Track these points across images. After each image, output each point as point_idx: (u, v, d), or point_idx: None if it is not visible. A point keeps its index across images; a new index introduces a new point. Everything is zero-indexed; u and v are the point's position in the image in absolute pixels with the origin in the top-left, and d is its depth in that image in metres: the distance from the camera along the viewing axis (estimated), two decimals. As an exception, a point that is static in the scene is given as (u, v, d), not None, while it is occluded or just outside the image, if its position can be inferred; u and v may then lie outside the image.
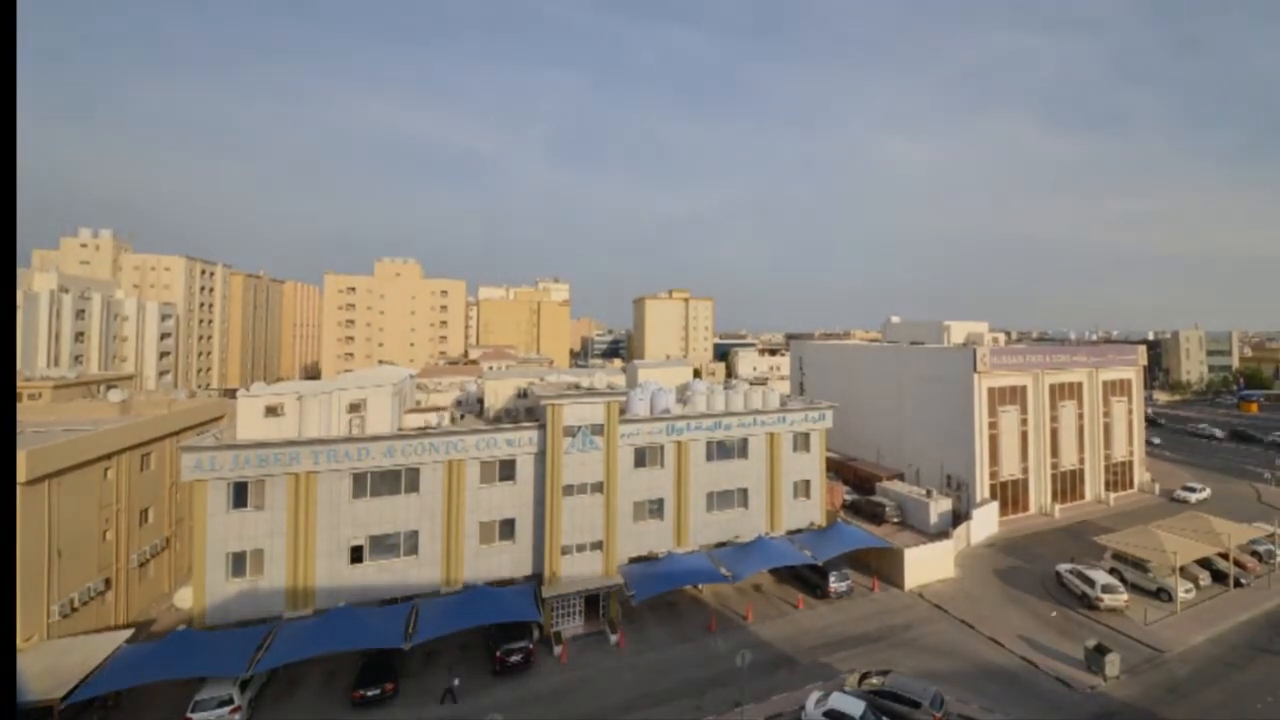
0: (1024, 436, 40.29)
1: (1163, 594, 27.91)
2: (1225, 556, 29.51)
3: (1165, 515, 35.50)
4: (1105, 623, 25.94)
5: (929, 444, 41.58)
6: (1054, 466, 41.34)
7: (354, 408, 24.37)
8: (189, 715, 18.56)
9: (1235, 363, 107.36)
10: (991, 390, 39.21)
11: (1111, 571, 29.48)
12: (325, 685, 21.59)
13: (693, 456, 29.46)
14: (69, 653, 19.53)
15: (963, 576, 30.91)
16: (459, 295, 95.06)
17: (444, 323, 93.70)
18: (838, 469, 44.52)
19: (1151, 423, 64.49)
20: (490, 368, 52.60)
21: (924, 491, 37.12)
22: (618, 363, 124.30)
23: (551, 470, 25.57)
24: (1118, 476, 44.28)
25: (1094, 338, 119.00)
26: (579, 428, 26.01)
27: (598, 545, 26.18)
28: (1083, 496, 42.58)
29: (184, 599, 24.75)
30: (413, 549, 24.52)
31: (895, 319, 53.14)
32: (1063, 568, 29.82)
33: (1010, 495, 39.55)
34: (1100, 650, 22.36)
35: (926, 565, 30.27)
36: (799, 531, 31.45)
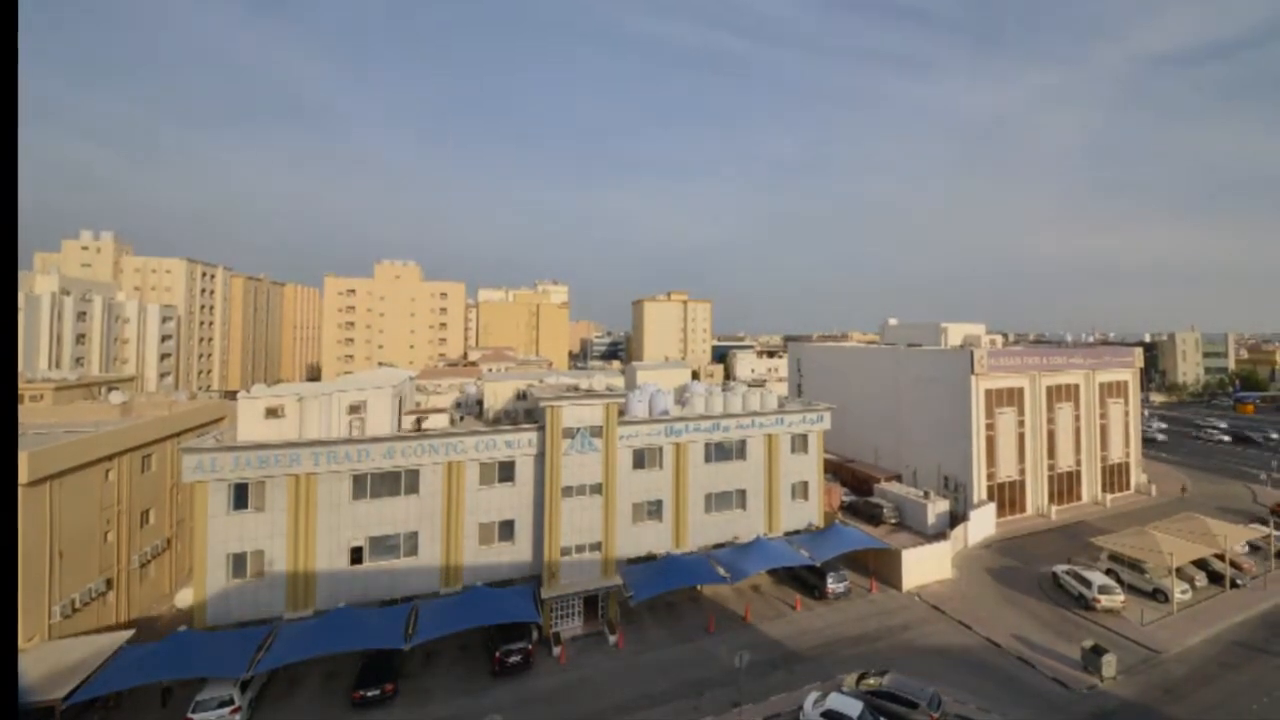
0: (1021, 438, 40.43)
1: (1159, 595, 28.03)
2: (1221, 558, 29.64)
3: (1162, 516, 35.65)
4: (1102, 623, 26.04)
5: (926, 445, 41.72)
6: (1051, 468, 41.47)
7: (354, 409, 24.51)
8: (190, 715, 18.65)
9: (1231, 364, 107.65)
10: (989, 392, 39.38)
11: (1108, 572, 29.59)
12: (325, 686, 21.68)
13: (691, 458, 29.60)
14: (70, 653, 19.60)
15: (960, 577, 31.02)
16: (458, 297, 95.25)
17: (443, 325, 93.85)
18: (836, 470, 44.70)
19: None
20: (489, 369, 52.75)
21: (921, 493, 37.29)
22: (616, 365, 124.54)
23: (551, 472, 25.70)
24: (1114, 478, 44.44)
25: (1091, 340, 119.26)
26: (578, 429, 26.15)
27: (596, 546, 26.30)
28: (1079, 498, 42.70)
29: (185, 600, 24.89)
30: (412, 550, 24.62)
31: (893, 321, 53.36)
32: (1059, 569, 29.93)
33: (1007, 496, 39.67)
34: (1097, 651, 22.46)
35: (924, 566, 30.38)
36: (797, 533, 31.56)
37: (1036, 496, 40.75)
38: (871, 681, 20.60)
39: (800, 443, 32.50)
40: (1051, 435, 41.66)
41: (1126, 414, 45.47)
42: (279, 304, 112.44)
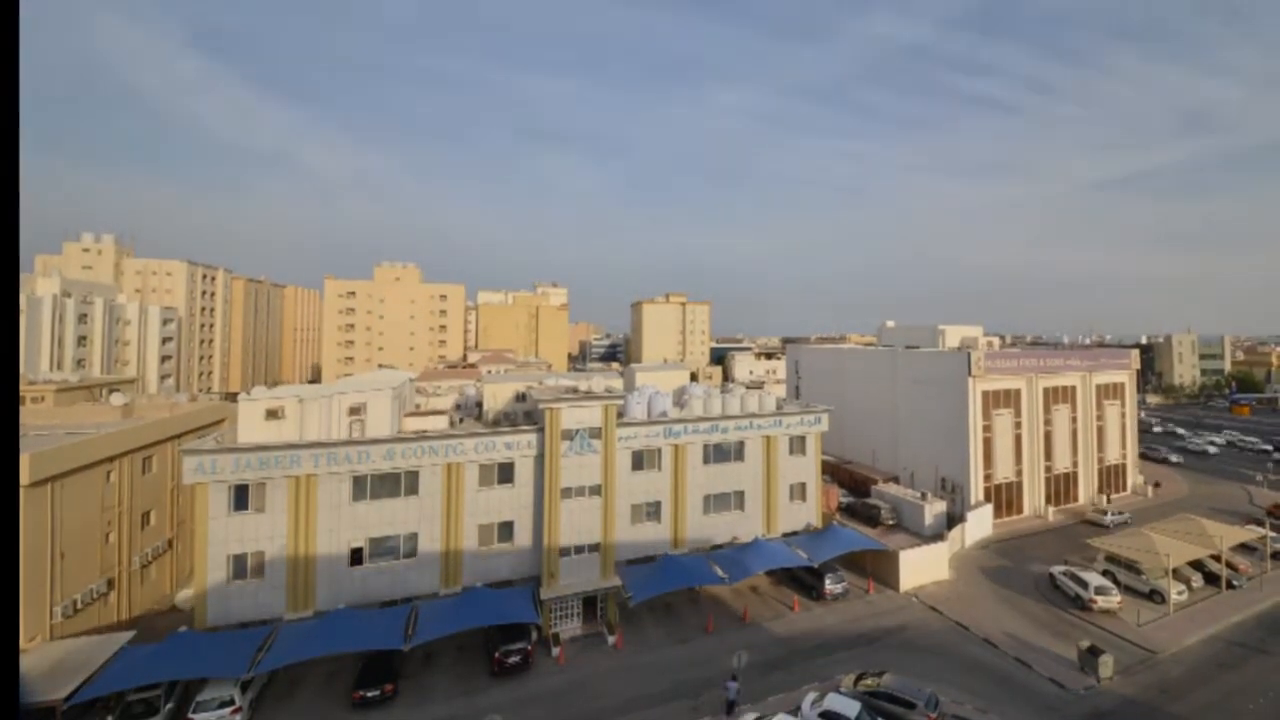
0: (1018, 440, 40.61)
1: (1155, 596, 28.16)
2: (1217, 559, 29.78)
3: (1158, 518, 35.81)
4: (1098, 624, 26.16)
5: (924, 447, 41.88)
6: (1048, 469, 41.64)
7: (354, 411, 24.64)
8: (190, 716, 18.74)
9: (1227, 366, 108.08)
10: (986, 394, 39.57)
11: (1104, 573, 29.71)
12: (325, 686, 21.76)
13: (690, 459, 29.74)
14: (72, 653, 19.69)
15: (957, 578, 31.13)
16: (458, 299, 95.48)
17: (443, 327, 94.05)
18: (833, 472, 44.89)
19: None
20: (489, 371, 52.90)
21: (919, 494, 37.45)
22: (615, 366, 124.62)
23: (550, 473, 25.83)
24: (1111, 479, 44.60)
25: (1087, 342, 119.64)
26: (577, 431, 26.29)
27: (595, 547, 26.41)
28: (1076, 499, 42.86)
29: (185, 600, 24.98)
30: (412, 551, 24.72)
31: (890, 323, 53.55)
32: (1056, 569, 30.06)
33: (1004, 498, 39.82)
34: (1094, 651, 22.57)
35: (921, 567, 30.50)
36: (795, 534, 31.68)
37: (1033, 498, 40.90)
38: (869, 682, 20.70)
39: (798, 444, 32.65)
40: (1048, 437, 41.84)
41: (1123, 416, 45.66)
42: (279, 306, 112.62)
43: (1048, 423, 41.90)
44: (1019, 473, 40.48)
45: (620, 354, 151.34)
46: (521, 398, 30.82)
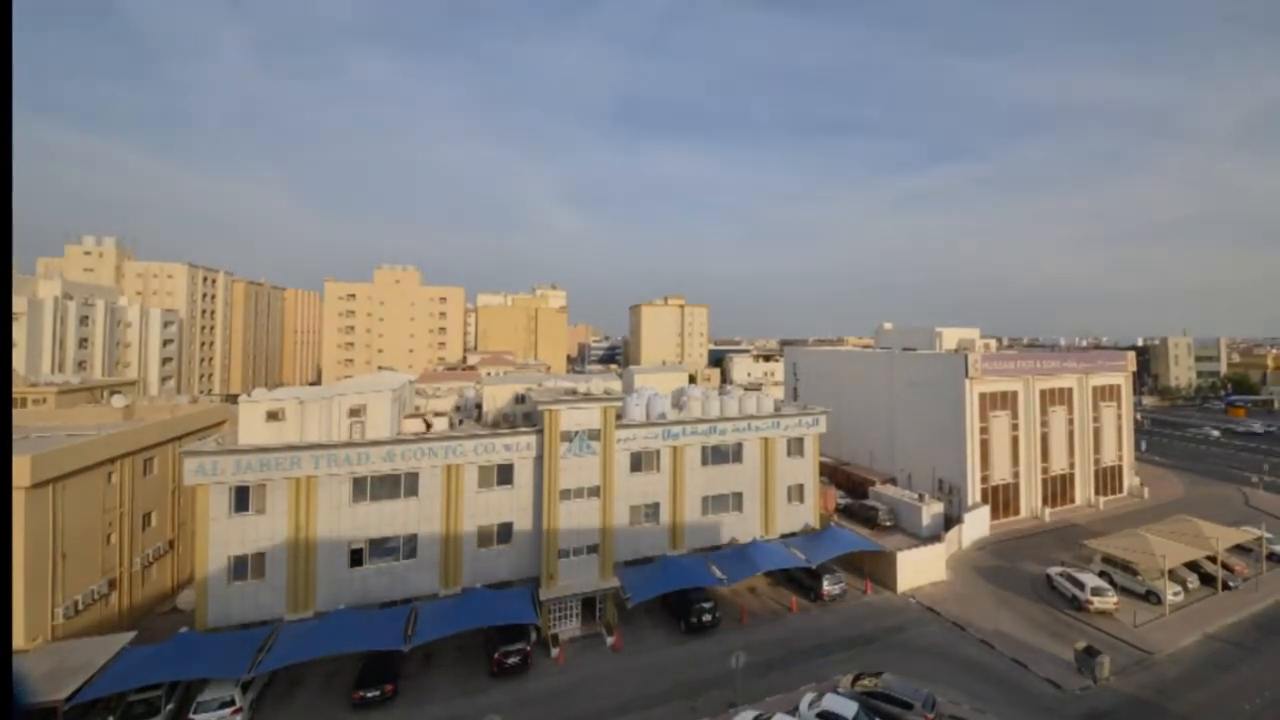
0: (1015, 441, 40.79)
1: (1152, 596, 28.28)
2: (1213, 560, 29.93)
3: (1154, 519, 35.98)
4: (1095, 625, 26.27)
5: (921, 449, 42.05)
6: (1044, 471, 41.79)
7: (354, 413, 24.78)
8: (191, 716, 18.84)
9: (1223, 369, 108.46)
10: (983, 396, 39.76)
11: (1101, 574, 29.85)
12: (325, 687, 21.84)
13: (688, 461, 29.89)
14: (73, 654, 19.73)
15: (954, 579, 31.25)
16: (457, 302, 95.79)
17: (443, 329, 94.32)
18: (831, 473, 45.05)
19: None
20: (488, 373, 53.08)
21: (916, 495, 37.62)
22: (614, 369, 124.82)
23: (549, 475, 25.98)
24: (1107, 481, 44.77)
25: (1084, 344, 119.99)
26: (576, 433, 26.44)
27: (594, 548, 26.53)
28: (1073, 500, 43.00)
29: (186, 601, 25.08)
30: (412, 552, 24.84)
31: (888, 325, 53.80)
32: (1053, 570, 30.19)
33: (1001, 499, 39.97)
34: (1090, 652, 22.67)
35: (919, 568, 30.62)
36: (793, 535, 31.82)
37: (1030, 499, 41.05)
38: (867, 682, 20.80)
39: (796, 446, 32.82)
40: (1045, 438, 42.02)
41: (1119, 417, 45.87)
42: (280, 308, 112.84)
43: (1044, 424, 42.10)
44: (1016, 474, 40.65)
45: (619, 356, 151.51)
46: (521, 399, 30.99)
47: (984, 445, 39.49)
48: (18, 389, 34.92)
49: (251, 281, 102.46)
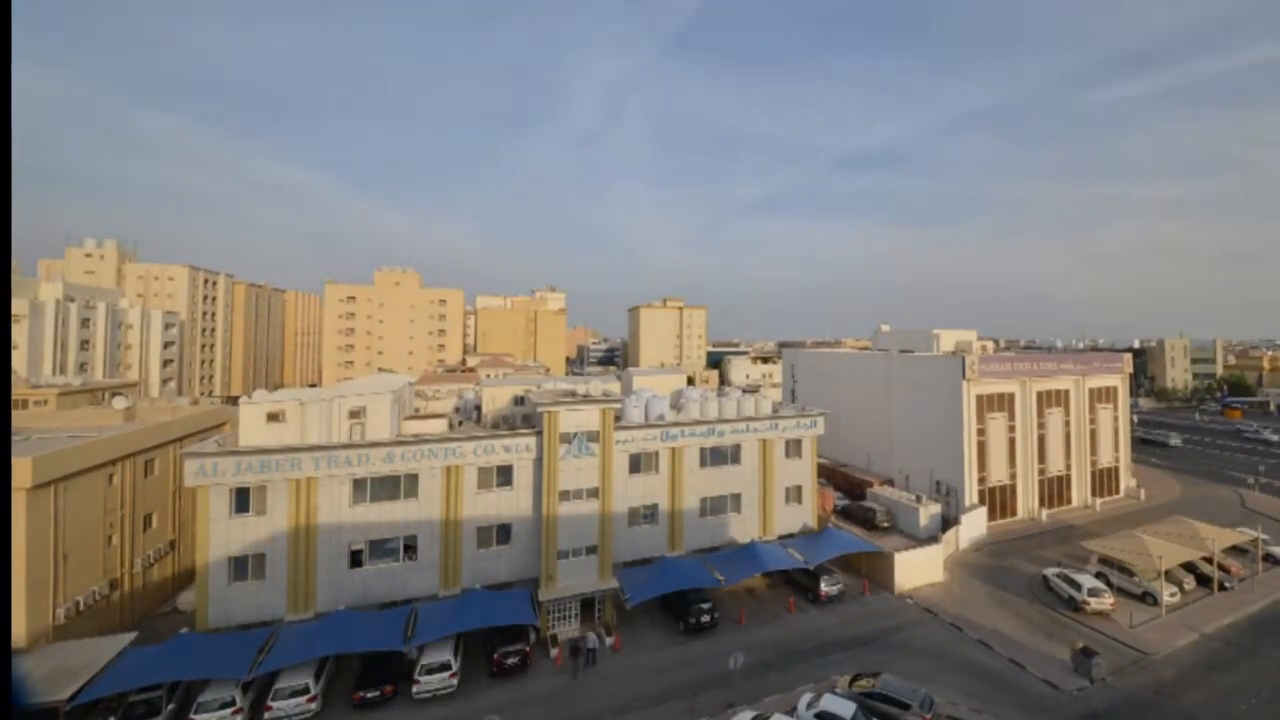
0: (1012, 443, 40.95)
1: (1148, 597, 28.41)
2: (1209, 561, 30.07)
3: (1150, 520, 36.14)
4: (1091, 625, 26.40)
5: (919, 450, 42.20)
6: (1041, 472, 41.95)
7: (354, 414, 24.88)
8: (191, 716, 18.93)
9: (1219, 370, 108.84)
10: (980, 397, 39.94)
11: (1098, 575, 29.98)
12: (325, 687, 21.89)
13: (686, 462, 30.03)
14: (74, 654, 19.80)
15: (951, 580, 31.37)
16: (457, 304, 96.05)
17: (442, 331, 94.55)
18: (829, 475, 45.18)
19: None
20: (488, 375, 53.27)
21: (914, 497, 37.75)
22: (613, 370, 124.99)
23: (548, 476, 26.11)
24: (1104, 482, 44.92)
25: (1081, 346, 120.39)
26: (575, 434, 26.58)
27: (593, 549, 26.65)
28: (1069, 502, 43.15)
29: (187, 602, 25.14)
30: (411, 553, 24.94)
31: (885, 327, 54.00)
32: (1050, 571, 30.32)
33: (998, 500, 40.11)
34: (1087, 653, 22.79)
35: (916, 569, 30.74)
36: (791, 536, 31.96)
37: (1027, 500, 41.20)
38: (864, 683, 20.91)
39: (794, 447, 32.97)
40: (1042, 440, 42.19)
41: (1116, 419, 46.05)
42: (280, 311, 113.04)
43: (1041, 426, 42.27)
44: (1013, 475, 40.80)
45: (618, 358, 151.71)
46: (520, 401, 31.12)
47: (981, 447, 39.66)
48: (19, 391, 35.04)
49: (252, 284, 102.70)
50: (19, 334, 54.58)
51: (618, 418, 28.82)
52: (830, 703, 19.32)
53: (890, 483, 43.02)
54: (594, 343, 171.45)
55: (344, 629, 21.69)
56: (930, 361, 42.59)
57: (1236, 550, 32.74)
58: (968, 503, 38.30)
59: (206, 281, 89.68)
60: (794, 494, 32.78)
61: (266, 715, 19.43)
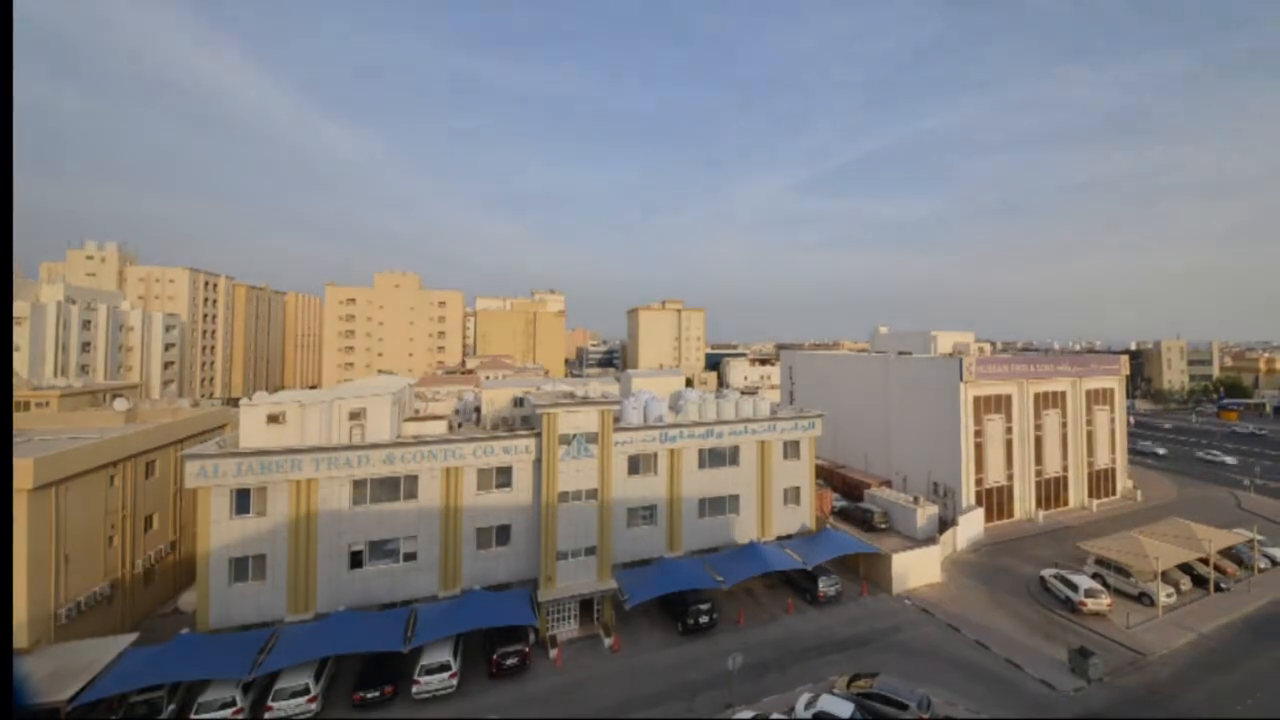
0: (1009, 444, 41.11)
1: (1144, 598, 28.54)
2: (1206, 562, 30.20)
3: (1147, 521, 36.27)
4: (1088, 626, 26.51)
5: (916, 451, 42.36)
6: (1038, 474, 42.10)
7: (354, 416, 25.01)
8: (192, 717, 19.01)
9: (1216, 372, 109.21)
10: (977, 399, 40.12)
11: (1094, 576, 30.13)
12: (326, 687, 21.98)
13: (685, 464, 30.16)
14: (75, 655, 19.88)
15: (949, 581, 31.49)
16: (457, 306, 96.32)
17: (442, 333, 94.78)
18: (827, 476, 45.34)
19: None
20: (487, 377, 53.41)
21: (911, 498, 37.88)
22: (612, 372, 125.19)
23: (547, 477, 26.24)
24: (1100, 483, 45.07)
25: (1077, 348, 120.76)
26: (574, 436, 26.72)
27: (592, 550, 26.76)
28: (1066, 503, 43.29)
29: (188, 603, 25.24)
30: (411, 554, 25.03)
31: (883, 329, 54.21)
32: (1047, 572, 30.44)
33: (995, 501, 40.25)
34: (1083, 653, 22.87)
35: (914, 570, 30.86)
36: (789, 537, 32.08)
37: (1024, 501, 41.35)
38: (862, 683, 21.02)
39: (792, 449, 33.11)
40: (1039, 441, 42.35)
41: (1113, 421, 46.23)
42: (280, 313, 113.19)
43: (1038, 428, 42.45)
44: (1010, 477, 40.95)
45: (617, 360, 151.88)
46: (519, 403, 31.27)
47: (978, 448, 39.82)
48: (21, 393, 35.19)
49: (253, 286, 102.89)
50: (21, 336, 54.74)
51: (616, 419, 28.96)
52: (828, 703, 19.42)
53: (888, 484, 43.15)
54: (593, 344, 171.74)
55: (344, 630, 21.78)
56: (928, 363, 42.78)
57: (1232, 551, 32.85)
58: (965, 504, 38.44)
59: (207, 284, 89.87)
60: (792, 495, 32.91)
61: (267, 715, 19.54)
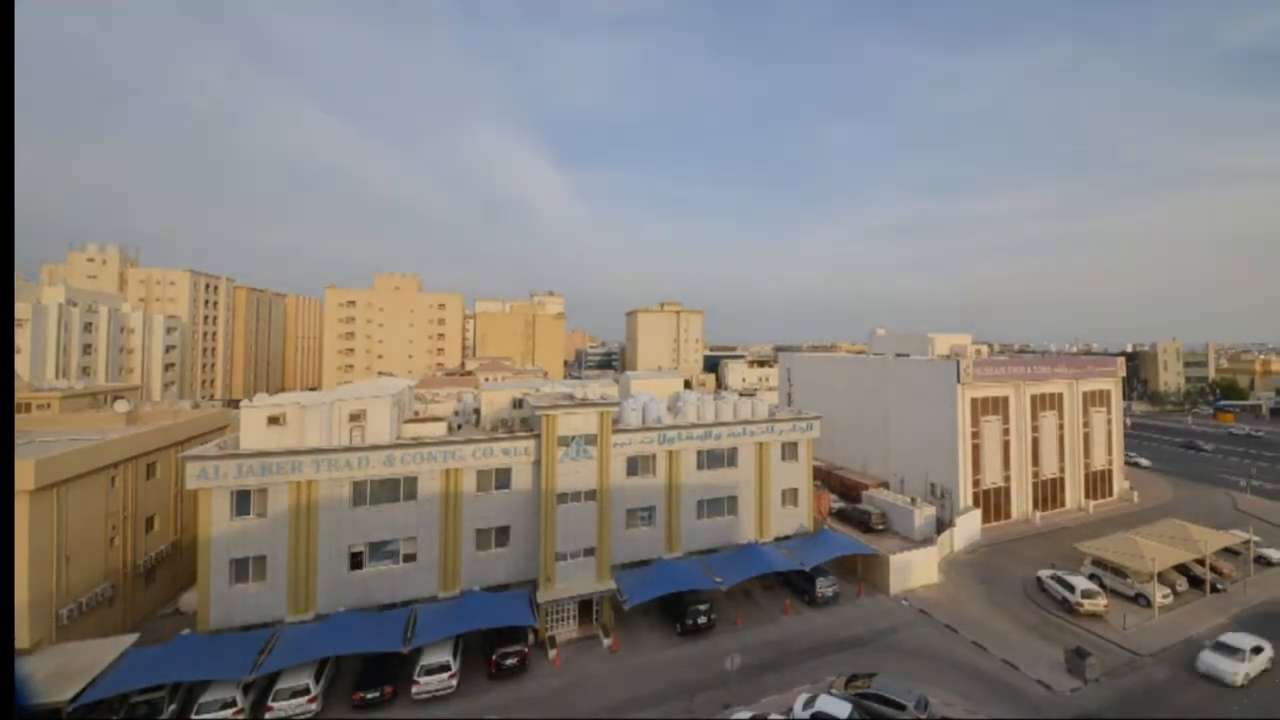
0: (1006, 446, 41.27)
1: (1141, 599, 28.67)
2: (1202, 562, 30.34)
3: (1143, 522, 36.41)
4: (1085, 627, 26.62)
5: (914, 453, 42.51)
6: (1035, 475, 42.24)
7: (354, 417, 25.13)
8: (193, 717, 19.09)
9: (1212, 374, 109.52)
10: (974, 400, 40.29)
11: (1091, 577, 30.24)
12: (326, 688, 22.05)
13: (683, 465, 30.30)
14: (76, 656, 19.98)
15: (946, 581, 31.61)
16: (456, 308, 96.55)
17: (441, 335, 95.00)
18: (825, 477, 45.48)
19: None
20: (487, 379, 53.57)
21: (909, 499, 38.03)
22: (611, 374, 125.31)
23: (546, 479, 26.36)
24: (1097, 484, 45.23)
25: (1074, 350, 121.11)
26: (573, 437, 26.86)
27: (591, 551, 26.88)
28: (1063, 504, 43.43)
29: (188, 604, 25.34)
30: (411, 555, 25.13)
31: (881, 331, 54.33)
32: (1043, 573, 30.57)
33: (993, 503, 40.38)
34: (1080, 653, 22.98)
35: (911, 571, 30.97)
36: (787, 538, 32.20)
37: (1021, 503, 41.48)
38: (860, 684, 21.11)
39: (790, 450, 33.25)
40: (1036, 443, 42.51)
41: (1109, 422, 46.42)
42: (281, 315, 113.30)
43: (1035, 429, 42.62)
44: (1007, 478, 41.10)
45: (615, 362, 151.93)
46: (519, 404, 31.41)
47: (975, 450, 39.98)
48: (23, 394, 35.30)
49: (253, 288, 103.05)
50: (22, 338, 54.86)
51: (615, 421, 29.10)
52: (826, 704, 19.51)
53: (886, 485, 43.28)
54: (592, 346, 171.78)
55: (344, 630, 21.89)
56: (925, 365, 42.97)
57: (1229, 552, 32.99)
58: (962, 505, 38.57)
59: (208, 286, 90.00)
60: (790, 496, 33.05)
61: (267, 716, 19.62)
